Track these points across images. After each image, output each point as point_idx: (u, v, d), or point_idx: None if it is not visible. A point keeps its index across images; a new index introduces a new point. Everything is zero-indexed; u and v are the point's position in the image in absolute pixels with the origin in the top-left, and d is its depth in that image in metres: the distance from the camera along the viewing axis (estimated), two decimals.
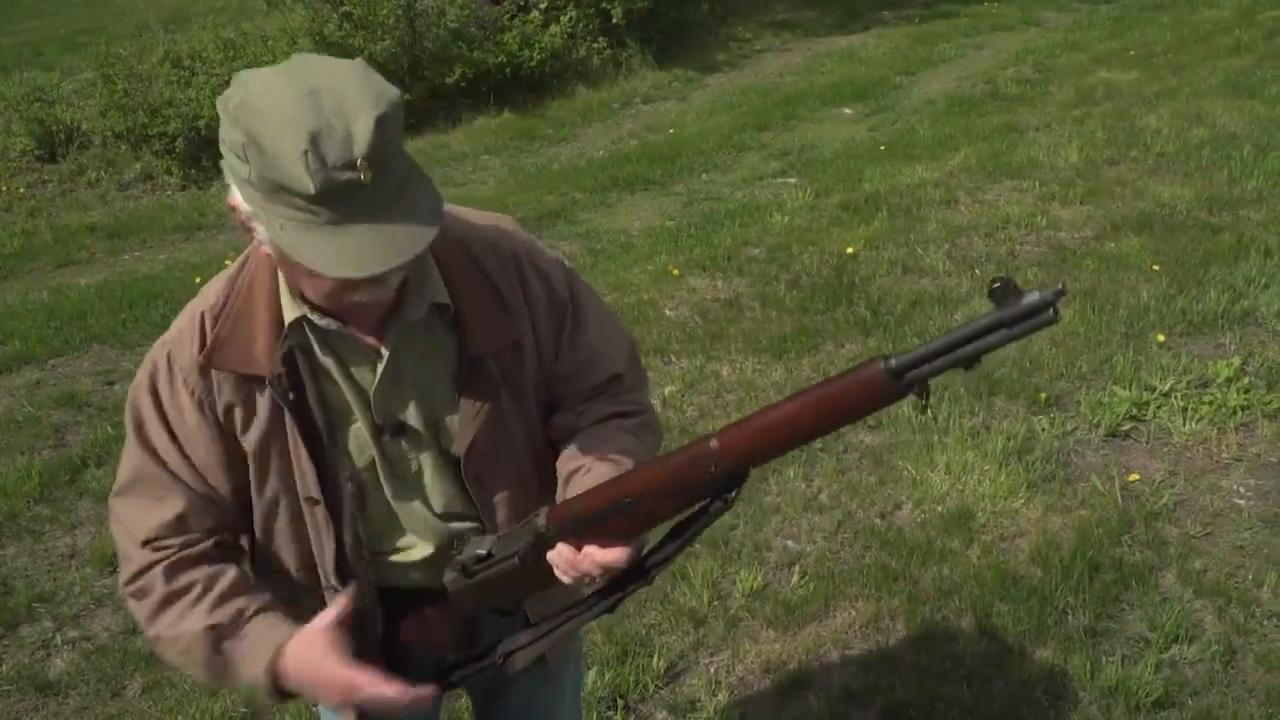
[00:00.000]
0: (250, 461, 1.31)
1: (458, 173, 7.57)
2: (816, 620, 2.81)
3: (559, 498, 1.35)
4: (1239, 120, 6.34)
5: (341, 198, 1.06)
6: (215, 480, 1.32)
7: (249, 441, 1.30)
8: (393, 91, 1.11)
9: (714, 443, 1.12)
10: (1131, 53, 8.34)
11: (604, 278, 4.97)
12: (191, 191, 7.58)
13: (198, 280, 5.36)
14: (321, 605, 1.36)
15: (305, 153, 1.03)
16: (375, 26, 8.20)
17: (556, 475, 1.40)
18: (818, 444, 3.55)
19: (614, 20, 9.35)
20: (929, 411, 3.62)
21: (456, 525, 1.42)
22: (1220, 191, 5.31)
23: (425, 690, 1.30)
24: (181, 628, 1.31)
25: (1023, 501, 3.18)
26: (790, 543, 3.13)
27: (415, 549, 1.43)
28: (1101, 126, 6.53)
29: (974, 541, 3.04)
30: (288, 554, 1.39)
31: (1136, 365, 3.82)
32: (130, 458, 1.34)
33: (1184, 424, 3.47)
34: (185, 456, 1.31)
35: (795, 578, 2.96)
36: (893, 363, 1.02)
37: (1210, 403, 3.54)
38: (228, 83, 1.14)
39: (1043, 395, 3.68)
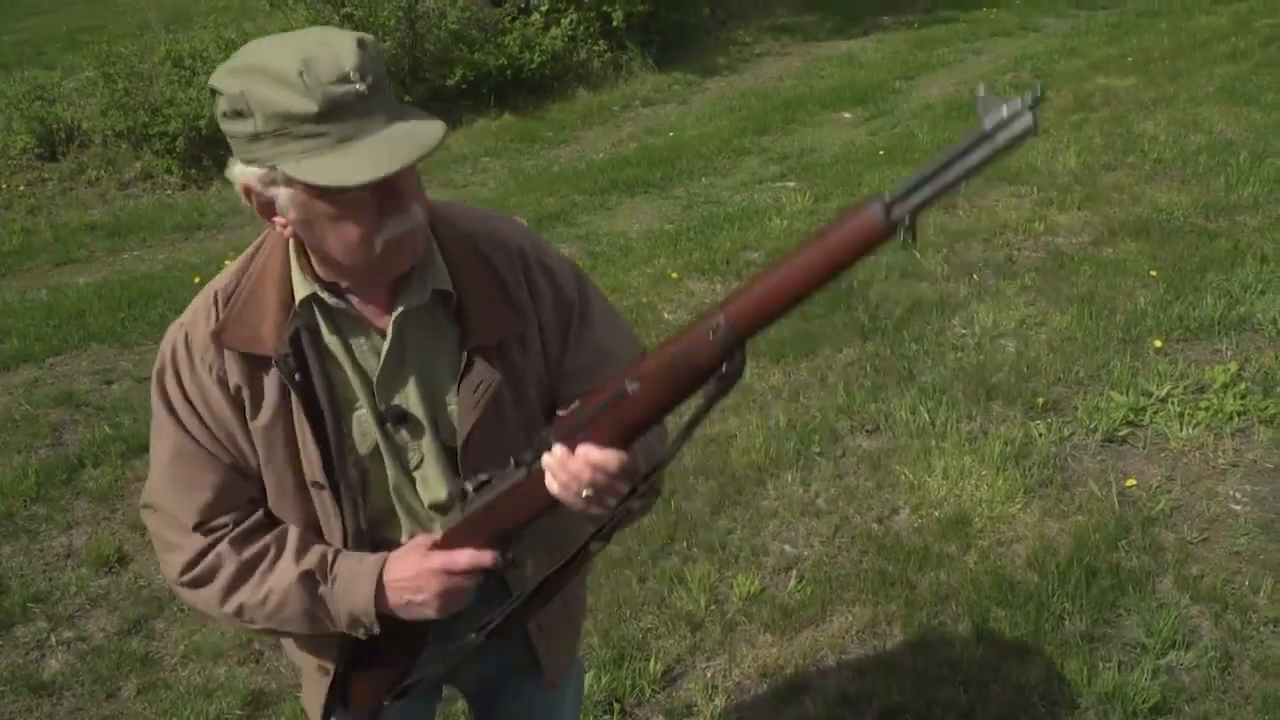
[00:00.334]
0: (258, 443, 1.32)
1: (458, 175, 7.58)
2: (813, 625, 2.81)
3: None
4: (1235, 127, 6.36)
5: (344, 111, 1.11)
6: (245, 452, 1.33)
7: (257, 423, 1.31)
8: (369, 35, 1.18)
9: (720, 316, 1.10)
10: (1129, 59, 8.35)
11: (603, 280, 4.98)
12: (192, 191, 7.58)
13: (197, 280, 5.36)
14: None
15: (300, 73, 1.10)
16: (376, 28, 8.20)
17: None
18: (815, 448, 3.56)
19: (614, 23, 9.36)
20: (927, 415, 3.63)
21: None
22: (1217, 198, 5.33)
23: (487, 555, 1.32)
24: (270, 585, 1.33)
25: (1020, 507, 3.19)
26: (787, 547, 3.13)
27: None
28: (1099, 132, 6.54)
29: (971, 547, 3.05)
30: None
31: (1133, 371, 3.82)
32: (163, 441, 1.34)
33: (1181, 429, 3.48)
34: (214, 432, 1.32)
35: (792, 582, 2.96)
36: (887, 196, 1.01)
37: (1207, 408, 3.55)
38: None
39: (1040, 400, 3.69)
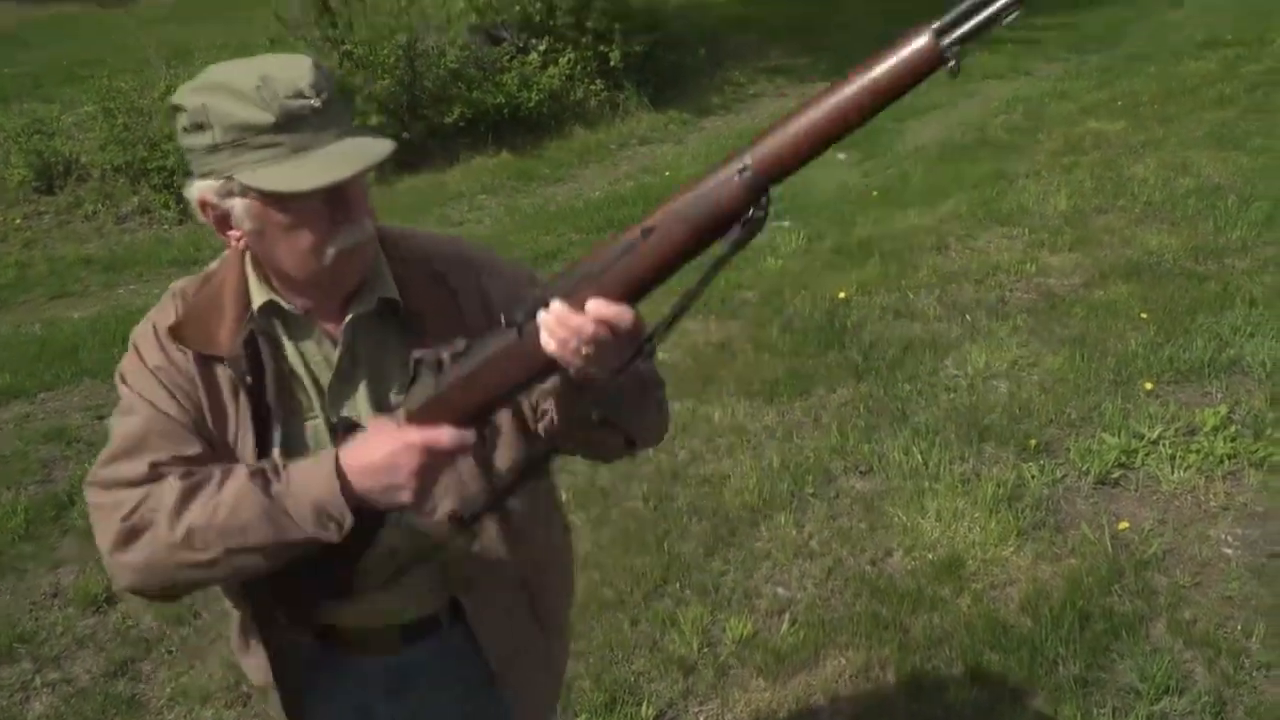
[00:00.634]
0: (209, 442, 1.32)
1: (454, 211, 7.61)
2: (806, 669, 2.80)
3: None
4: (1223, 171, 6.42)
5: (299, 123, 1.18)
6: (213, 432, 1.32)
7: (206, 423, 1.32)
8: (324, 63, 1.27)
9: (747, 156, 1.01)
10: (1119, 103, 8.45)
11: None
12: (189, 226, 7.58)
13: None
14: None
15: (258, 88, 1.17)
16: (376, 66, 8.28)
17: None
18: (809, 489, 3.56)
19: (612, 63, 9.45)
20: (920, 456, 3.64)
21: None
22: (1206, 241, 5.37)
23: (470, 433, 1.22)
24: (220, 498, 1.22)
25: (1013, 549, 3.19)
26: (781, 589, 3.12)
27: None
28: (1090, 175, 6.60)
29: (964, 589, 3.04)
30: None
31: (1125, 413, 3.84)
32: (131, 418, 1.31)
33: (1172, 472, 3.49)
34: (184, 407, 1.31)
35: (785, 625, 2.95)
36: (935, 24, 0.96)
37: (1198, 451, 3.56)
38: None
39: (1032, 442, 3.70)
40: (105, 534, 1.27)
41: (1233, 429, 3.66)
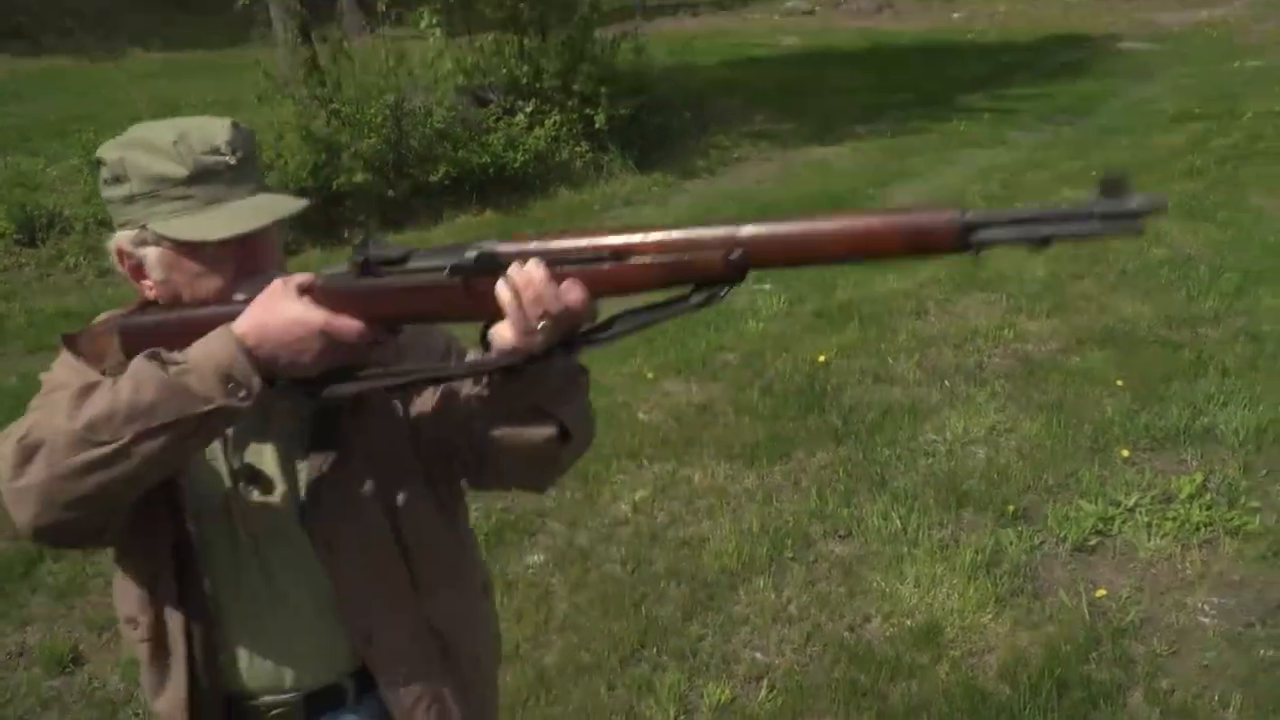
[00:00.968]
0: None
1: None
2: None
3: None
4: (1194, 242, 6.55)
5: (213, 177, 1.25)
6: None
7: None
8: (246, 124, 1.32)
9: (742, 231, 1.05)
10: (1093, 173, 8.59)
11: None
12: None
13: None
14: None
15: (174, 143, 1.24)
16: (363, 124, 8.36)
17: (440, 561, 1.44)
18: (788, 553, 3.55)
19: (597, 125, 9.59)
20: (899, 521, 3.64)
21: (302, 614, 1.40)
22: (1179, 310, 5.46)
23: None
24: (120, 383, 1.15)
25: (991, 616, 3.18)
26: (759, 655, 3.10)
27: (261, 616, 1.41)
28: (1066, 243, 6.70)
29: (943, 657, 3.03)
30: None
31: (1102, 479, 3.86)
32: (69, 376, 1.28)
33: (1149, 539, 3.51)
34: None
35: (764, 692, 2.93)
36: (968, 215, 1.00)
37: (1174, 519, 3.58)
38: None
39: (1010, 508, 3.71)
40: (3, 465, 1.19)
41: (1208, 497, 3.69)
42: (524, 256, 1.11)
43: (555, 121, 9.41)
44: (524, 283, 1.09)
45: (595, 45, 10.07)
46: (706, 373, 5.06)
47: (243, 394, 1.15)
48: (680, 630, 3.21)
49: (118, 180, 1.26)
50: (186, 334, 1.20)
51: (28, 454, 1.16)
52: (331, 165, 8.20)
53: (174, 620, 1.37)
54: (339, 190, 8.11)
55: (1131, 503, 3.68)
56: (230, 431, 1.34)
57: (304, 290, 1.19)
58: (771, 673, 3.02)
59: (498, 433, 1.28)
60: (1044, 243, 0.98)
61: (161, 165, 1.24)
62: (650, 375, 5.01)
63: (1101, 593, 3.27)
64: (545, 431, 1.27)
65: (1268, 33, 15.98)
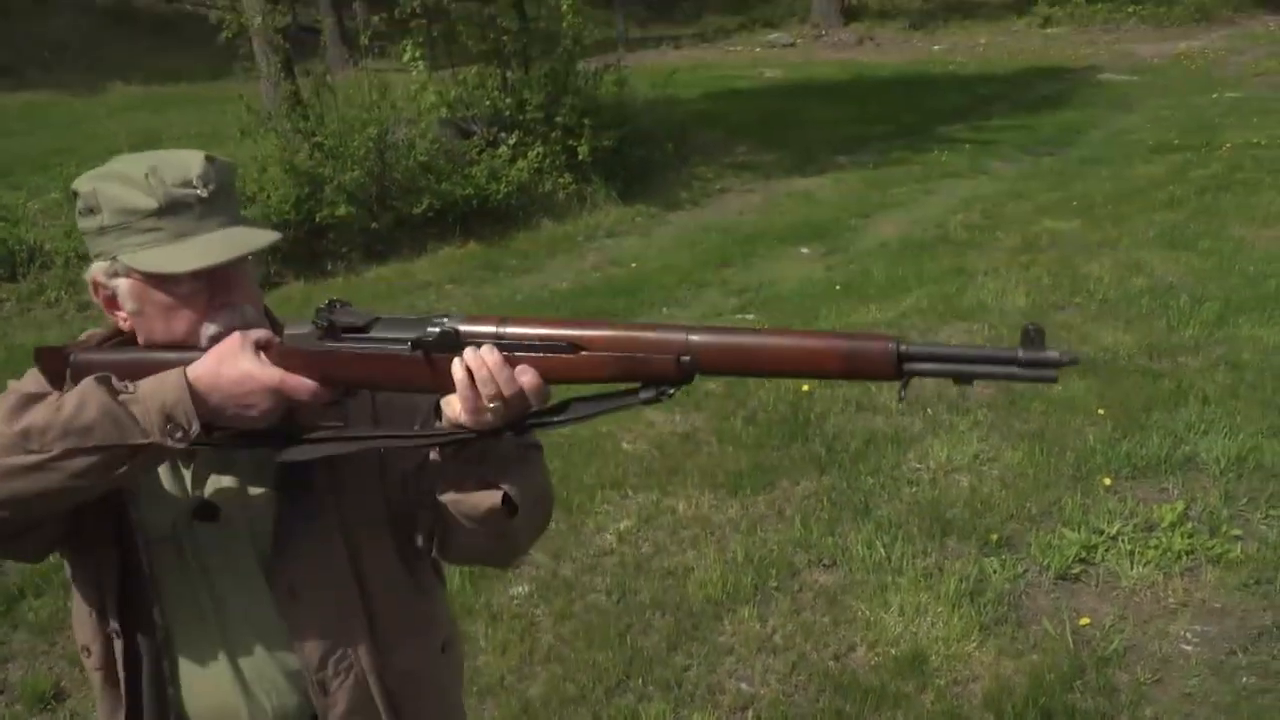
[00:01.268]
0: None
1: (421, 300, 7.65)
2: None
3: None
4: (1175, 271, 6.62)
5: (183, 210, 1.24)
6: None
7: None
8: (223, 157, 1.32)
9: (692, 336, 1.12)
10: (1074, 203, 8.71)
11: None
12: None
13: None
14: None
15: (146, 175, 1.24)
16: (346, 157, 8.38)
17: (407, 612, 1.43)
18: (772, 583, 3.55)
19: (580, 157, 9.64)
20: (883, 549, 3.65)
21: (256, 657, 1.39)
22: (1160, 339, 5.51)
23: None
24: (65, 399, 1.18)
25: (975, 645, 3.18)
26: (744, 685, 3.09)
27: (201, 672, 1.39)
28: (1047, 273, 6.77)
29: (928, 686, 3.03)
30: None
31: (1084, 508, 3.88)
32: (29, 382, 1.30)
33: (1131, 568, 3.52)
34: None
35: None
36: (904, 347, 1.07)
37: (1156, 547, 3.60)
38: None
39: (994, 536, 3.72)
40: None
41: (1189, 525, 3.71)
42: (483, 339, 1.17)
43: (538, 153, 9.47)
44: (477, 364, 1.15)
45: (578, 77, 10.16)
46: (689, 402, 5.06)
47: (179, 435, 1.18)
48: (665, 660, 3.19)
49: (91, 211, 1.27)
50: (137, 377, 1.22)
51: None
52: (315, 198, 8.22)
53: (120, 649, 1.36)
54: (322, 223, 8.13)
55: (1114, 531, 3.69)
56: (190, 467, 1.35)
57: (261, 346, 1.23)
58: (757, 703, 3.01)
59: (446, 498, 1.29)
60: (968, 381, 1.08)
61: (132, 197, 1.24)
62: None
63: (1085, 621, 3.27)
64: (490, 500, 1.26)
65: (1245, 65, 16.24)
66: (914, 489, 4.12)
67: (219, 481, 1.36)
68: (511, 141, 9.41)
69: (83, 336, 1.38)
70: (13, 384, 1.32)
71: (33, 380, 1.32)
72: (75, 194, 1.29)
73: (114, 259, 1.27)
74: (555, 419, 1.19)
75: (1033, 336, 1.05)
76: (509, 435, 1.20)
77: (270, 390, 1.21)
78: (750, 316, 6.52)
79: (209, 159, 1.28)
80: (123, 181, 1.25)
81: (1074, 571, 3.53)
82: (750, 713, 2.96)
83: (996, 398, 4.94)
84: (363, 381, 1.25)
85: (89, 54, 16.53)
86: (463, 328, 1.18)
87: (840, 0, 22.86)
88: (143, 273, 1.25)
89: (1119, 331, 5.65)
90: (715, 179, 10.98)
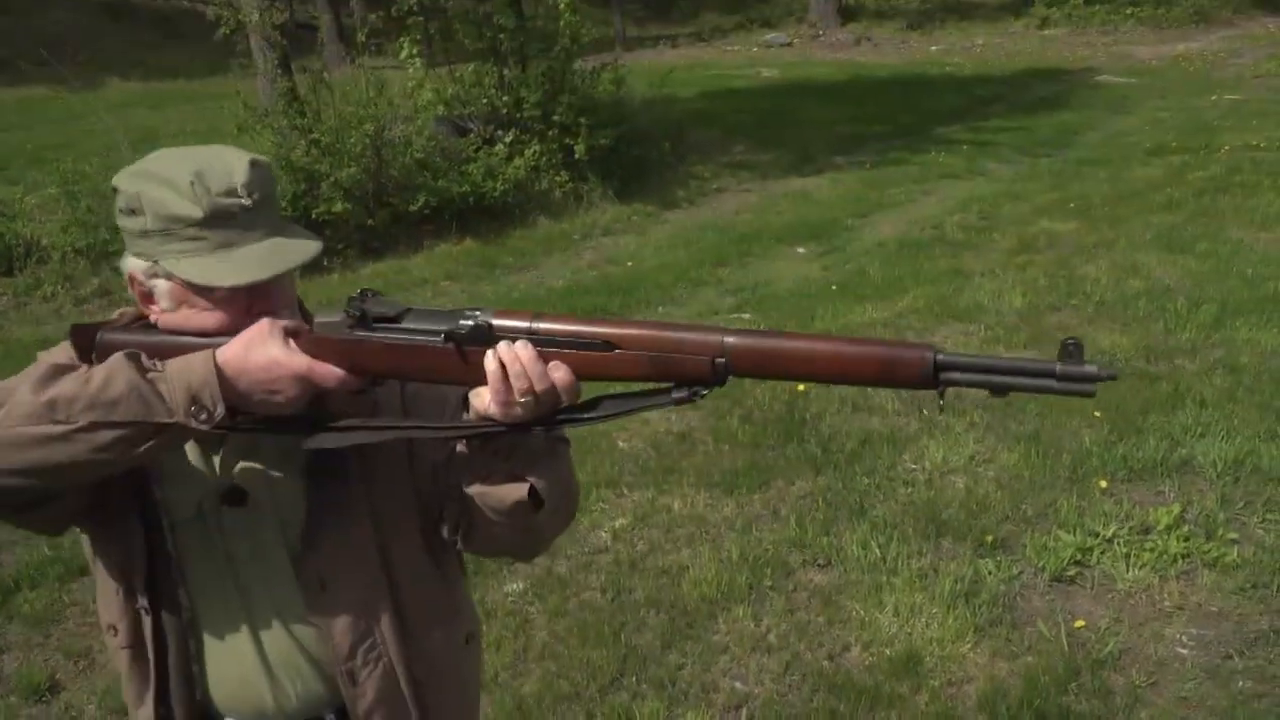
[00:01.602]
0: None
1: (417, 297, 7.64)
2: None
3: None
4: (1172, 273, 6.62)
5: (227, 220, 1.23)
6: None
7: None
8: (265, 158, 1.30)
9: (729, 338, 1.12)
10: (1071, 205, 8.72)
11: None
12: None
13: None
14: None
15: (191, 183, 1.22)
16: (343, 154, 8.37)
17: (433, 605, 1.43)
18: (767, 582, 3.54)
19: (577, 155, 9.63)
20: (878, 550, 3.64)
21: (282, 643, 1.39)
22: (1157, 341, 5.51)
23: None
24: (93, 372, 1.17)
25: (970, 646, 3.18)
26: (738, 684, 3.09)
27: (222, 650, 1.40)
28: (1043, 274, 6.77)
29: (922, 687, 3.02)
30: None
31: (1080, 510, 3.88)
32: (60, 354, 1.30)
33: (1127, 570, 3.51)
34: None
35: None
36: (940, 356, 1.08)
37: (1152, 550, 3.59)
38: None
39: (989, 538, 3.72)
40: None
41: (1185, 528, 3.71)
42: (516, 334, 1.17)
43: (535, 151, 9.46)
44: (510, 358, 1.15)
45: (575, 76, 10.16)
46: None
47: (204, 417, 1.17)
48: (659, 659, 3.19)
49: (133, 213, 1.25)
50: (165, 358, 1.22)
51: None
52: (311, 195, 8.21)
53: (148, 626, 1.36)
54: (318, 219, 8.11)
55: (1110, 534, 3.69)
56: (220, 453, 1.34)
57: (290, 333, 1.23)
58: (751, 702, 3.00)
59: (473, 490, 1.30)
60: (1003, 393, 1.08)
61: (177, 204, 1.22)
62: None
63: (1080, 623, 3.27)
64: (516, 493, 1.27)
65: (1243, 67, 16.28)
66: (909, 490, 4.12)
67: (249, 468, 1.35)
68: (508, 139, 9.40)
69: (115, 315, 1.38)
70: (42, 355, 1.32)
71: (63, 352, 1.32)
72: (115, 190, 1.27)
73: (155, 262, 1.26)
74: (585, 416, 1.19)
75: (1071, 351, 1.04)
76: (538, 430, 1.20)
77: (298, 377, 1.20)
78: (746, 316, 6.52)
79: (253, 164, 1.27)
80: (167, 186, 1.23)
81: (1069, 574, 3.52)
82: (744, 712, 2.96)
83: (992, 399, 4.92)
84: (392, 371, 1.25)
85: (86, 49, 16.48)
86: (495, 322, 1.18)
87: (837, 0, 22.88)
88: (184, 281, 1.25)
89: (1116, 334, 5.65)
90: (712, 178, 10.98)
